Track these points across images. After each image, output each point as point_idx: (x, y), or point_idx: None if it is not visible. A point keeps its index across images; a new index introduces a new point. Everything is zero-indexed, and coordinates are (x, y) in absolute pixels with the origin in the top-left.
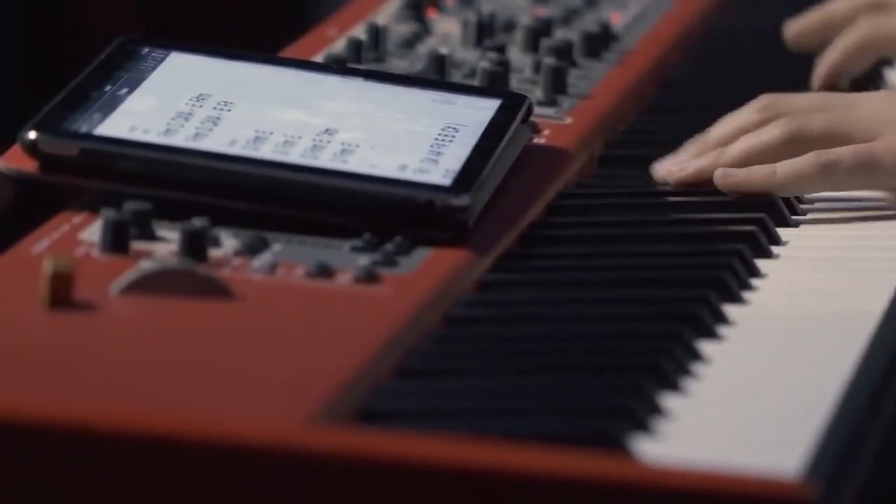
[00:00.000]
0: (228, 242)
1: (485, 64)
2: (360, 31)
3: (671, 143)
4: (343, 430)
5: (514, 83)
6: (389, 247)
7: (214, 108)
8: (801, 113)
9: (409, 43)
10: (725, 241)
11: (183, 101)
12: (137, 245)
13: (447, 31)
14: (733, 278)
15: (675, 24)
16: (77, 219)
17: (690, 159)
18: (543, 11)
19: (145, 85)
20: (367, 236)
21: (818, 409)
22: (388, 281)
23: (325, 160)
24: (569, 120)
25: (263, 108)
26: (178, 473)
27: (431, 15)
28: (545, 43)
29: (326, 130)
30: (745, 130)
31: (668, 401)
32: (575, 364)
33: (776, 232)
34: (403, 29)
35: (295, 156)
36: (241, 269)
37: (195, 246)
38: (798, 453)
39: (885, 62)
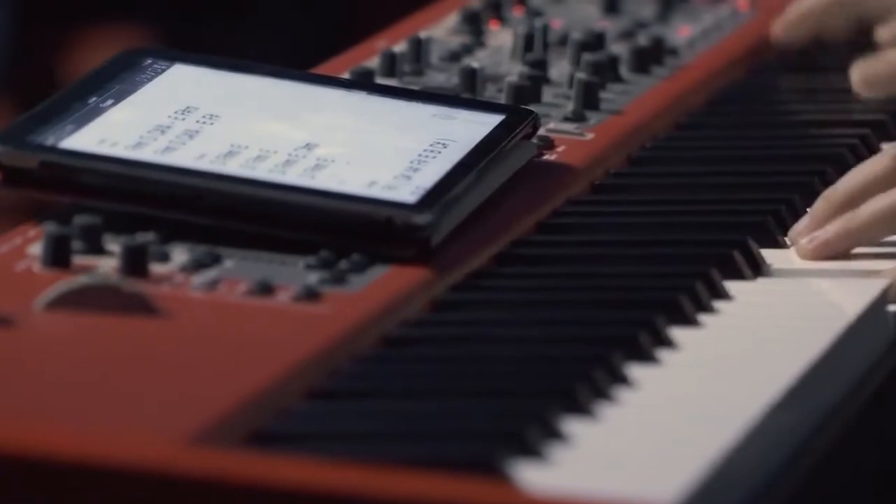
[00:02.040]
0: (179, 258)
1: (512, 78)
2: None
3: (688, 161)
4: (215, 453)
5: (551, 98)
6: (343, 264)
7: (197, 122)
8: None
9: (456, 56)
10: (697, 264)
11: (165, 114)
12: (83, 260)
13: (501, 44)
14: (690, 301)
15: (745, 39)
16: (32, 232)
17: (818, 227)
18: (608, 24)
19: (134, 97)
20: (323, 253)
21: (713, 444)
22: (329, 299)
23: (292, 176)
24: (590, 136)
25: (249, 121)
26: (51, 492)
27: (493, 27)
28: (585, 57)
29: (306, 145)
30: (875, 183)
31: (574, 426)
32: (490, 388)
33: (759, 254)
34: (456, 41)
35: (262, 171)
36: (182, 285)
37: (136, 261)
38: (676, 488)
39: None
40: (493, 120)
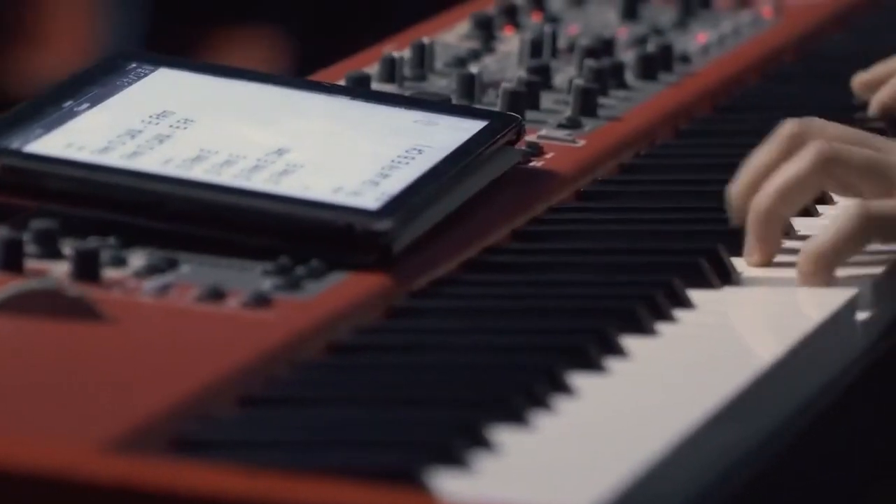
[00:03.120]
0: (136, 262)
1: (507, 84)
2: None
3: (680, 170)
4: (125, 459)
5: (551, 104)
6: (299, 271)
7: (170, 126)
8: (836, 141)
9: (462, 62)
10: (662, 272)
11: (139, 119)
12: (37, 264)
13: (511, 50)
14: (647, 310)
15: (761, 47)
16: None
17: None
18: (625, 30)
19: (111, 101)
20: (281, 259)
21: (640, 455)
22: (280, 306)
23: (256, 181)
24: (581, 143)
25: (224, 126)
26: None
27: (508, 33)
28: (587, 64)
29: (278, 150)
30: (776, 162)
31: (506, 435)
32: (424, 396)
33: (730, 263)
34: (466, 47)
35: (227, 176)
36: (134, 290)
37: (88, 266)
38: (594, 497)
39: None
40: (475, 126)
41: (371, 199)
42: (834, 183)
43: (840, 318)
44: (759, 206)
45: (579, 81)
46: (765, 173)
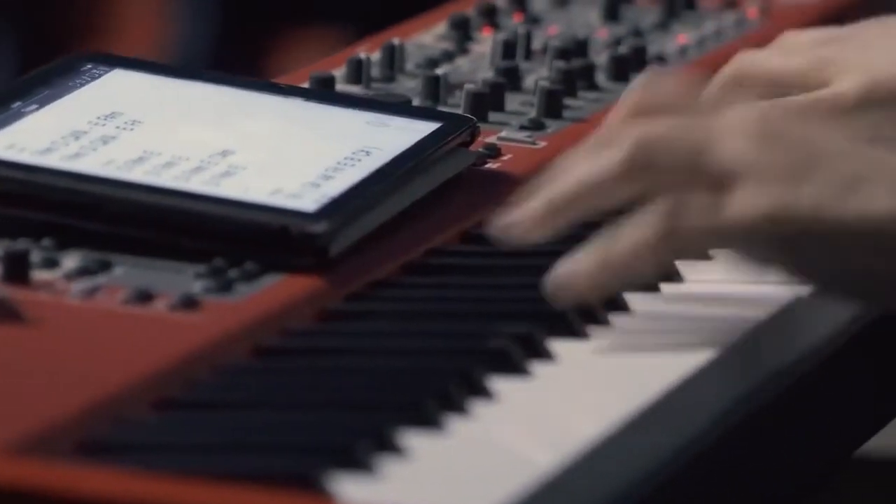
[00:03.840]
0: (68, 264)
1: (470, 86)
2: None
3: None
4: (24, 462)
5: (517, 105)
6: (232, 273)
7: (117, 127)
8: (678, 174)
9: (434, 63)
10: None
11: (86, 120)
12: None
13: (486, 51)
14: (577, 312)
15: (742, 48)
16: None
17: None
18: (605, 32)
19: (60, 102)
20: (216, 262)
21: (549, 461)
22: (207, 308)
23: (195, 183)
24: (542, 144)
25: (172, 127)
26: None
27: (486, 34)
28: (555, 65)
29: (222, 152)
30: (606, 182)
31: (417, 440)
32: (339, 400)
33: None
34: (440, 48)
35: (166, 178)
36: (62, 292)
37: (17, 268)
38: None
39: None
40: (428, 128)
41: (310, 202)
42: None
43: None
44: (557, 188)
45: (544, 83)
46: (587, 189)
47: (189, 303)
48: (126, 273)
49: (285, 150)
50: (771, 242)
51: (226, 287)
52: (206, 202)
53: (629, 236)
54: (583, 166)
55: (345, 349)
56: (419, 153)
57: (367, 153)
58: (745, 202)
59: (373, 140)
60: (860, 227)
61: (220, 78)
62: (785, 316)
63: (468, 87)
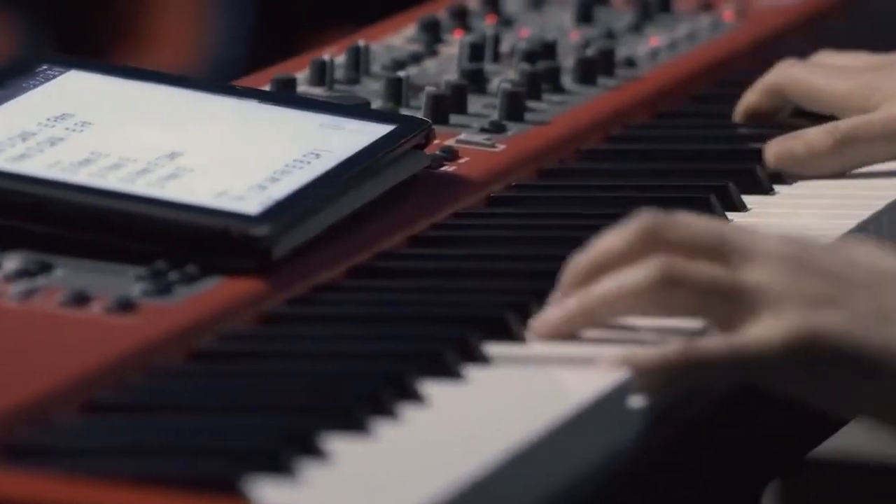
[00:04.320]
0: (8, 266)
1: (430, 89)
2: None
3: (598, 175)
4: None
5: (480, 108)
6: (173, 276)
7: (66, 129)
8: (685, 249)
9: (401, 65)
10: (537, 280)
11: (35, 121)
12: None
13: (455, 53)
14: (518, 317)
15: (716, 51)
16: None
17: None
18: (577, 35)
19: (11, 103)
20: (158, 264)
21: (472, 466)
22: (143, 311)
23: (140, 185)
24: (500, 147)
25: (123, 129)
26: None
27: (457, 36)
28: (521, 67)
29: (171, 154)
30: (621, 256)
31: (342, 444)
32: (267, 404)
33: None
34: (409, 50)
35: (111, 180)
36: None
37: None
38: None
39: None
40: (381, 130)
41: (253, 204)
42: (672, 308)
43: (608, 404)
44: (582, 303)
45: (506, 85)
46: (605, 264)
47: (125, 305)
48: (66, 275)
49: (235, 152)
50: (792, 366)
51: (165, 290)
52: (149, 204)
53: (655, 352)
54: (611, 282)
55: (280, 353)
56: (370, 156)
57: (318, 156)
58: (772, 323)
59: (324, 142)
60: (883, 356)
61: (176, 80)
62: None
63: (428, 89)
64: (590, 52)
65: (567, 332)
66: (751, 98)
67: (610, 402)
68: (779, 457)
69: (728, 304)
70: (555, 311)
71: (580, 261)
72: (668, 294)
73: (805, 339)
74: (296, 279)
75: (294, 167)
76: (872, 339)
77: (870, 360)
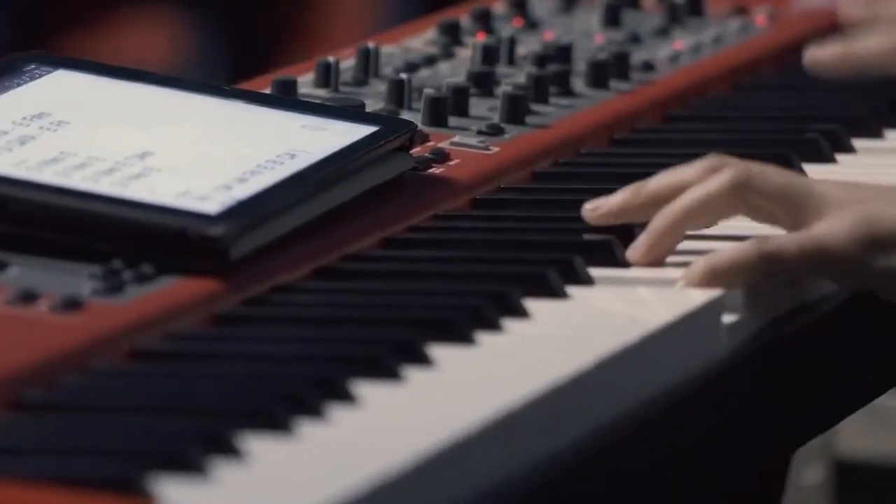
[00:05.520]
0: None
1: (429, 91)
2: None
3: (589, 178)
4: None
5: (485, 111)
6: (127, 275)
7: (40, 128)
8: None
9: (413, 67)
10: (503, 283)
11: (11, 120)
12: None
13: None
14: (468, 320)
15: (740, 56)
16: None
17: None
18: (602, 38)
19: None
20: (114, 263)
21: (384, 467)
22: (89, 310)
23: (104, 185)
24: (494, 150)
25: (98, 128)
26: None
27: (480, 39)
28: (527, 70)
29: (142, 154)
30: (683, 187)
31: (261, 444)
32: (189, 405)
33: (585, 272)
34: (424, 52)
35: (75, 179)
36: None
37: None
38: None
39: None
40: (364, 131)
41: (215, 204)
42: (747, 208)
43: (700, 321)
44: (666, 214)
45: (507, 88)
46: (678, 189)
47: (71, 304)
48: (20, 274)
49: (208, 152)
50: (856, 253)
51: (116, 289)
52: (108, 203)
53: (728, 253)
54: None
55: (221, 354)
56: (345, 157)
57: (292, 156)
58: (836, 217)
59: (302, 143)
60: None
61: (163, 80)
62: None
63: (427, 91)
64: (602, 55)
65: (659, 252)
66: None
67: (537, 405)
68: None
69: (796, 206)
70: (643, 236)
71: (646, 186)
72: (741, 196)
73: (866, 226)
74: (255, 280)
75: (265, 167)
76: None
77: None
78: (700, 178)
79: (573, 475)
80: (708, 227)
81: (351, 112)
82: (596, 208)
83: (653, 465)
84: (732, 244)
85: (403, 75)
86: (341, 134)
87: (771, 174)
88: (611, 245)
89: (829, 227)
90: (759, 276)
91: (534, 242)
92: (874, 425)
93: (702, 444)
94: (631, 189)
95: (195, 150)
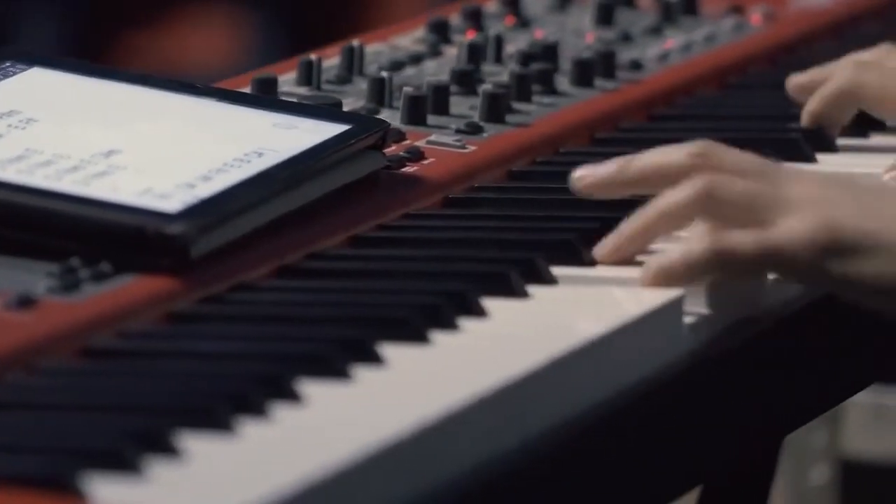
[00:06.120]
0: None
1: (407, 89)
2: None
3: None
4: None
5: (466, 109)
6: (84, 273)
7: (8, 126)
8: (727, 173)
9: (398, 66)
10: (463, 282)
11: None
12: None
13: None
14: (423, 319)
15: (730, 55)
16: None
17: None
18: (593, 37)
19: None
20: (72, 261)
21: (324, 466)
22: (42, 308)
23: (66, 183)
24: (471, 149)
25: (65, 127)
26: None
27: (469, 37)
28: (511, 69)
29: (108, 152)
30: (667, 170)
31: (202, 443)
32: (131, 403)
33: (548, 272)
34: (412, 51)
35: (37, 177)
36: None
37: None
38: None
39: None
40: (335, 129)
41: (176, 202)
42: (713, 217)
43: (660, 320)
44: (635, 220)
45: (487, 87)
46: (651, 176)
47: (25, 302)
48: None
49: (175, 150)
50: (815, 254)
51: (72, 287)
52: (67, 202)
53: (680, 250)
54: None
55: (172, 352)
56: (313, 156)
57: (260, 154)
58: (798, 218)
59: (271, 141)
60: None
61: (139, 78)
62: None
63: (406, 90)
64: (587, 53)
65: (624, 255)
66: (817, 107)
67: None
68: (800, 409)
69: (760, 214)
70: (611, 237)
71: (633, 162)
72: (706, 210)
73: (827, 231)
74: (216, 278)
75: (232, 166)
76: (888, 227)
77: (889, 250)
78: (685, 164)
79: (520, 475)
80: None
81: (324, 111)
82: (582, 177)
83: (604, 467)
84: (686, 240)
85: (384, 73)
86: (311, 132)
87: (737, 185)
88: (575, 245)
89: (789, 229)
90: (713, 274)
91: (499, 241)
92: (880, 425)
93: (657, 445)
94: (619, 163)
95: (163, 148)
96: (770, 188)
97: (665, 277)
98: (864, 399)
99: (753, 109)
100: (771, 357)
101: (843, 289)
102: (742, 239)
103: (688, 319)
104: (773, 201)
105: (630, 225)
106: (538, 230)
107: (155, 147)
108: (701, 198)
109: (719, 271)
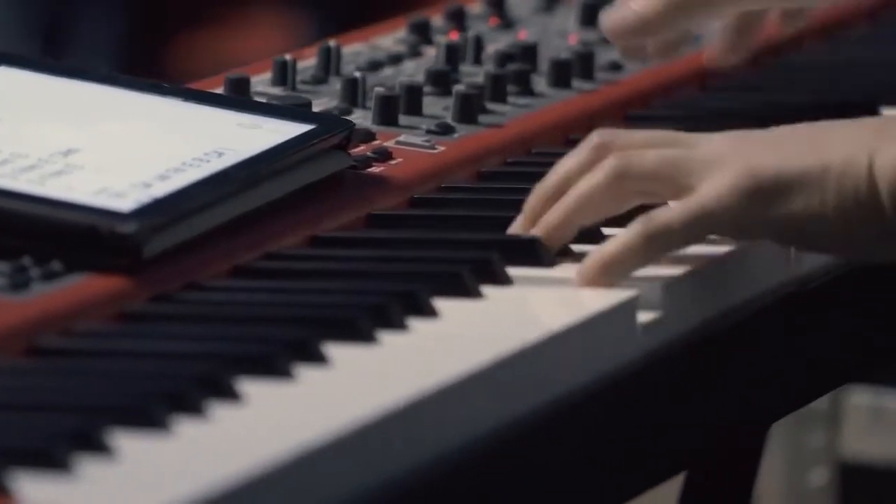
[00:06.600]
0: None
1: (379, 90)
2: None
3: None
4: None
5: (439, 110)
6: (34, 272)
7: None
8: (634, 149)
9: (376, 66)
10: (415, 282)
11: None
12: None
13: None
14: (370, 319)
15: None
16: None
17: (532, 221)
18: (575, 38)
19: None
20: (24, 260)
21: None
22: None
23: (21, 182)
24: (440, 149)
25: (25, 126)
26: None
27: (452, 38)
28: (486, 69)
29: (66, 151)
30: (578, 171)
31: (135, 441)
32: (67, 401)
33: (503, 272)
34: (392, 51)
35: None
36: None
37: None
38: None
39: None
40: (298, 129)
41: (130, 202)
42: (632, 195)
43: (612, 320)
44: (555, 211)
45: (460, 87)
46: (565, 182)
47: None
48: None
49: (134, 149)
50: (744, 208)
51: (21, 285)
52: (20, 200)
53: (614, 241)
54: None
55: (115, 351)
56: (273, 156)
57: (220, 154)
58: (719, 177)
59: (232, 141)
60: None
61: (106, 77)
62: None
63: (377, 90)
64: (565, 54)
65: (551, 246)
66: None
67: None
68: (785, 397)
69: (678, 180)
70: (535, 229)
71: (544, 185)
72: (623, 186)
73: (749, 179)
74: (167, 278)
75: (190, 165)
76: (808, 164)
77: (812, 183)
78: (590, 158)
79: (458, 476)
80: (606, 217)
81: (290, 111)
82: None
83: (545, 469)
84: (620, 232)
85: (357, 73)
86: (273, 132)
87: (649, 155)
88: (534, 245)
89: (712, 189)
90: (652, 257)
91: (457, 241)
92: (878, 427)
93: (606, 448)
94: (534, 195)
95: (123, 147)
96: (684, 152)
97: (605, 271)
98: (862, 401)
99: (730, 111)
100: (731, 356)
101: (779, 234)
102: (670, 213)
103: (642, 318)
104: (690, 164)
105: (551, 215)
106: (499, 230)
107: (115, 146)
108: (614, 175)
109: (659, 250)
